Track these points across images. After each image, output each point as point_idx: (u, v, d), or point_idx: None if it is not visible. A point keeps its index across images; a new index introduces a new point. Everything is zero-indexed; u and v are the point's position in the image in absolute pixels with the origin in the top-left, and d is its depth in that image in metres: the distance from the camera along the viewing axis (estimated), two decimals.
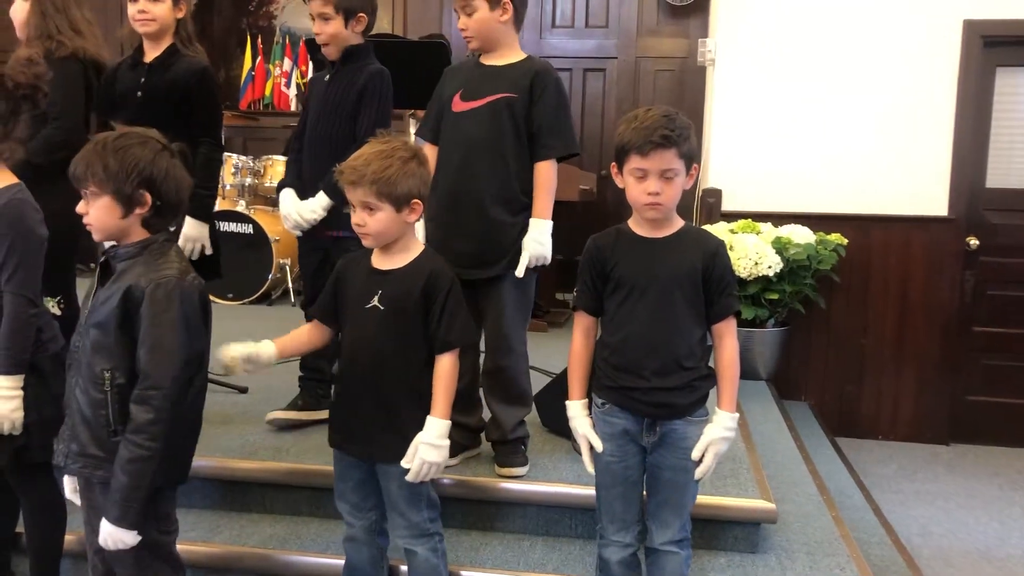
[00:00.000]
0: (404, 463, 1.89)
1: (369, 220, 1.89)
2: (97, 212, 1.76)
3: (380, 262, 1.96)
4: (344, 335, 2.01)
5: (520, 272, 2.39)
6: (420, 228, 2.46)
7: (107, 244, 1.87)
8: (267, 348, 1.96)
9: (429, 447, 1.88)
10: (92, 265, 5.99)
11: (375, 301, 1.93)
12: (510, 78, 2.41)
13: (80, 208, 1.78)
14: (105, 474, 1.75)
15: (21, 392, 1.94)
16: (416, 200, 1.90)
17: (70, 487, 1.92)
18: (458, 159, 2.42)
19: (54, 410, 1.95)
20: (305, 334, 2.08)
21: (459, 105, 2.43)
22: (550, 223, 2.41)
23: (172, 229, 1.98)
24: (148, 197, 1.76)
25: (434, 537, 2.01)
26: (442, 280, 1.92)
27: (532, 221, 2.41)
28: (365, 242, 1.95)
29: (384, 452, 1.93)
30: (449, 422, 1.93)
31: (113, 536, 1.73)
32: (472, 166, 2.39)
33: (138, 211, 1.77)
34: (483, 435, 2.61)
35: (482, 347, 2.51)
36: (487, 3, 2.37)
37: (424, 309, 1.92)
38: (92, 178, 1.73)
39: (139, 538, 1.74)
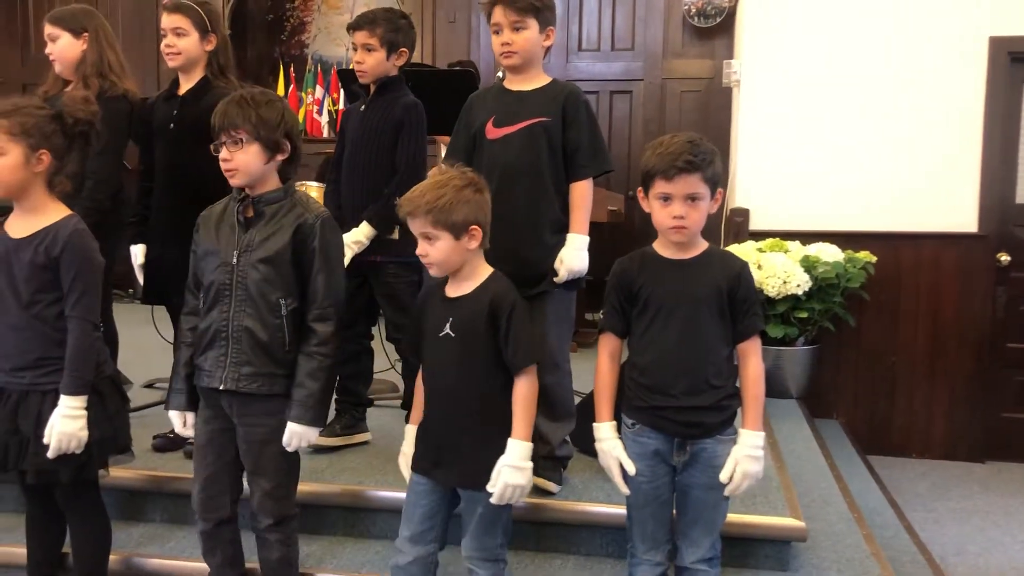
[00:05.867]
0: (489, 487, 1.89)
1: (430, 250, 1.93)
2: (247, 157, 2.01)
3: (451, 290, 2.00)
4: (424, 364, 2.05)
5: (560, 279, 2.41)
6: None
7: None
8: (412, 433, 2.08)
9: (512, 470, 1.88)
10: (130, 291, 6.12)
11: (447, 329, 1.96)
12: (541, 102, 2.44)
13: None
14: (279, 388, 2.00)
15: (86, 412, 2.02)
16: (474, 227, 1.92)
17: (180, 421, 2.10)
18: (498, 184, 2.40)
19: (110, 429, 2.09)
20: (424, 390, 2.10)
21: (493, 132, 2.45)
22: (587, 239, 2.44)
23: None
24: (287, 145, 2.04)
25: (499, 563, 2.01)
26: (504, 302, 1.93)
27: (569, 236, 2.43)
28: (431, 271, 1.99)
29: (466, 478, 1.95)
30: (531, 444, 1.93)
31: (304, 435, 2.00)
32: (512, 191, 2.40)
33: (279, 157, 2.03)
34: None
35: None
36: (537, 24, 2.41)
37: (494, 333, 1.93)
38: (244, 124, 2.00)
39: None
